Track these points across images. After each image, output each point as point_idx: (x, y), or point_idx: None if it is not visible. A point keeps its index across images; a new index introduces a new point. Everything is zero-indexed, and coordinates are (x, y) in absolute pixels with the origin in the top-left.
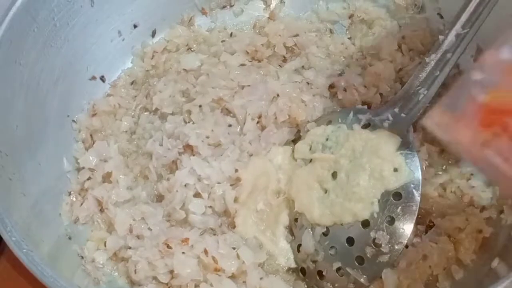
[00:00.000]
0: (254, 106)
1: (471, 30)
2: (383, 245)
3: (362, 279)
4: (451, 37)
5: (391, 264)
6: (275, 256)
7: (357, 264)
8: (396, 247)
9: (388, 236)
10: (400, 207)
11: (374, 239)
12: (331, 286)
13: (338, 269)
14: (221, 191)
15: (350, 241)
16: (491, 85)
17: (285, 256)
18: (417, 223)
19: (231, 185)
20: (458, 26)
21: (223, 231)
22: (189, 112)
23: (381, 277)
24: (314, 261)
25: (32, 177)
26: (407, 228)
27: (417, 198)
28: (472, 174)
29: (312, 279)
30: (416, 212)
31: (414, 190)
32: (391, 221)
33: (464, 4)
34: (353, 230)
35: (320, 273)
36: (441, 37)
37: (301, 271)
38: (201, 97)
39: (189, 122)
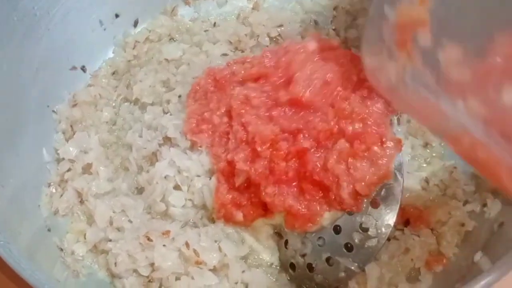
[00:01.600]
0: None
1: None
2: (370, 229)
3: (353, 267)
4: None
5: (379, 249)
6: (258, 251)
7: (346, 251)
8: (383, 229)
9: (375, 220)
10: (384, 189)
11: (361, 224)
12: (322, 278)
13: (328, 260)
14: (200, 185)
15: (337, 228)
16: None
17: (269, 253)
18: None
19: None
20: None
21: (204, 223)
22: (168, 102)
23: (364, 271)
24: (303, 255)
25: (11, 168)
26: (392, 209)
27: (400, 179)
28: (455, 167)
29: (302, 274)
30: (401, 194)
31: (396, 171)
32: (376, 203)
33: None
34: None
35: (310, 266)
36: None
37: (290, 267)
38: (180, 87)
39: (168, 113)
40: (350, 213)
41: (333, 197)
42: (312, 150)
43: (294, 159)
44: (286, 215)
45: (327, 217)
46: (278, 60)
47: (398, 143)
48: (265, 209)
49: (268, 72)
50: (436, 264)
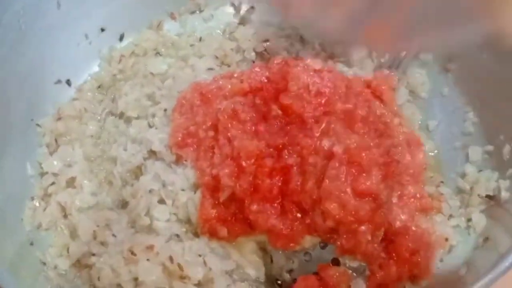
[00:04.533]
0: None
1: None
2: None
3: None
4: None
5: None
6: (243, 266)
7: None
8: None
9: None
10: None
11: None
12: None
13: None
14: (185, 199)
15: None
16: None
17: (254, 268)
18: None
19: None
20: None
21: (189, 238)
22: (154, 115)
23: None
24: (290, 271)
25: None
26: None
27: None
28: (441, 182)
29: None
30: None
31: None
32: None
33: None
34: None
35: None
36: None
37: (276, 283)
38: (166, 101)
39: (153, 127)
40: (323, 247)
41: (308, 221)
42: (295, 168)
43: (278, 176)
44: (269, 234)
45: (308, 240)
46: (270, 74)
47: None
48: (250, 225)
49: (260, 86)
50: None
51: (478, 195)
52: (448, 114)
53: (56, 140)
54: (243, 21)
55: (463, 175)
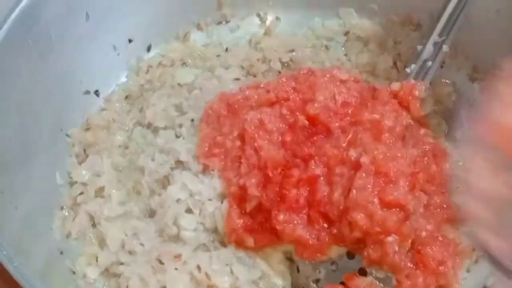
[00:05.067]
0: None
1: (449, 37)
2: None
3: None
4: (429, 45)
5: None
6: (270, 276)
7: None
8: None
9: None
10: None
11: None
12: None
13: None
14: (212, 209)
15: (350, 253)
16: None
17: (281, 277)
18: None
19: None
20: (435, 35)
21: (216, 247)
22: (181, 126)
23: None
24: (316, 281)
25: (24, 190)
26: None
27: None
28: None
29: None
30: None
31: None
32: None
33: (439, 12)
34: None
35: None
36: (419, 47)
37: None
38: (193, 111)
39: (180, 137)
40: (350, 257)
41: (335, 232)
42: (322, 178)
43: (305, 186)
44: (295, 244)
45: (334, 250)
46: (297, 84)
47: None
48: (276, 235)
49: (287, 96)
50: None
51: None
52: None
53: (84, 150)
54: (268, 32)
55: None
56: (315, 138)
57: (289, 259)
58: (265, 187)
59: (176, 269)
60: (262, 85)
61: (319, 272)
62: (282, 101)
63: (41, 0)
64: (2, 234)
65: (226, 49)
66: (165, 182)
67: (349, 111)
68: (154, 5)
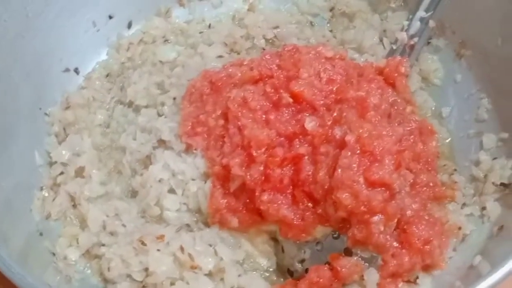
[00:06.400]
0: None
1: (436, 12)
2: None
3: None
4: (416, 21)
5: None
6: (254, 256)
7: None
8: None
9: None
10: None
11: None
12: None
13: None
14: (195, 189)
15: (335, 233)
16: None
17: (265, 257)
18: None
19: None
20: (421, 10)
21: (199, 227)
22: (163, 104)
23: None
24: (301, 261)
25: (3, 171)
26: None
27: None
28: (455, 170)
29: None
30: None
31: None
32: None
33: None
34: None
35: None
36: (405, 23)
37: (288, 273)
38: (175, 89)
39: (162, 115)
40: (336, 237)
41: (320, 211)
42: (307, 157)
43: (289, 165)
44: (280, 224)
45: (319, 230)
46: (281, 61)
47: None
48: (260, 215)
49: (270, 73)
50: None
51: (493, 183)
52: (461, 101)
53: (64, 129)
54: (252, 8)
55: (477, 163)
56: (299, 116)
57: (274, 239)
58: (248, 166)
59: (158, 250)
60: (245, 63)
61: (304, 252)
62: (266, 79)
63: None
64: None
65: (209, 26)
66: (147, 161)
67: (334, 89)
68: None
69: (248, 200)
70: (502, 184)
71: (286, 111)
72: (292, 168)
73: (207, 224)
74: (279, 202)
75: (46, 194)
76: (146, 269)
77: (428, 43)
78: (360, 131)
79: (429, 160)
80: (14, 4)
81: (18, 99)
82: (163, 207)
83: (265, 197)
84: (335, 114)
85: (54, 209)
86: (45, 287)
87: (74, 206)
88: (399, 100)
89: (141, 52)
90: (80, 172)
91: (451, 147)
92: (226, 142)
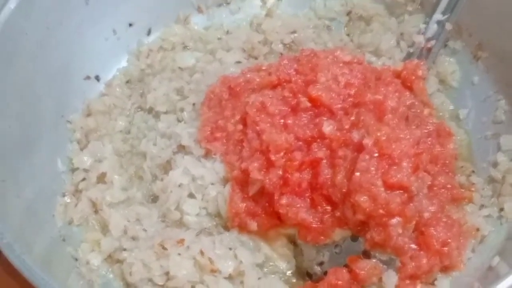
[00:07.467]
0: None
1: (453, 15)
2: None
3: None
4: (433, 24)
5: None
6: (273, 259)
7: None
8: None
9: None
10: None
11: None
12: None
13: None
14: (215, 193)
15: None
16: None
17: (284, 260)
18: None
19: (224, 186)
20: (438, 13)
21: (219, 231)
22: (182, 110)
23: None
24: (320, 263)
25: (26, 178)
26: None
27: None
28: (473, 171)
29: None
30: None
31: None
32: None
33: None
34: None
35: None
36: (422, 26)
37: (307, 275)
38: (194, 95)
39: (182, 121)
40: (354, 239)
41: (338, 215)
42: (325, 161)
43: (308, 169)
44: (299, 227)
45: (338, 233)
46: (299, 66)
47: None
48: (279, 219)
49: (288, 78)
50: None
51: (510, 184)
52: (479, 102)
53: (86, 136)
54: (270, 13)
55: (495, 164)
56: (317, 120)
57: (293, 243)
58: (267, 170)
59: (179, 254)
60: (263, 68)
61: (323, 255)
62: (284, 83)
63: None
64: (3, 222)
65: (227, 32)
66: (167, 167)
67: (352, 92)
68: None
69: (267, 204)
70: None
71: (304, 115)
72: (311, 171)
73: (226, 228)
74: (298, 205)
75: (69, 200)
76: (167, 273)
77: (445, 45)
78: (378, 134)
79: (447, 162)
80: (34, 16)
81: (41, 108)
82: (183, 211)
83: (284, 200)
84: (352, 117)
85: (76, 215)
86: None
87: (96, 211)
88: (416, 103)
89: (160, 59)
90: (101, 178)
91: (469, 148)
92: (245, 146)
